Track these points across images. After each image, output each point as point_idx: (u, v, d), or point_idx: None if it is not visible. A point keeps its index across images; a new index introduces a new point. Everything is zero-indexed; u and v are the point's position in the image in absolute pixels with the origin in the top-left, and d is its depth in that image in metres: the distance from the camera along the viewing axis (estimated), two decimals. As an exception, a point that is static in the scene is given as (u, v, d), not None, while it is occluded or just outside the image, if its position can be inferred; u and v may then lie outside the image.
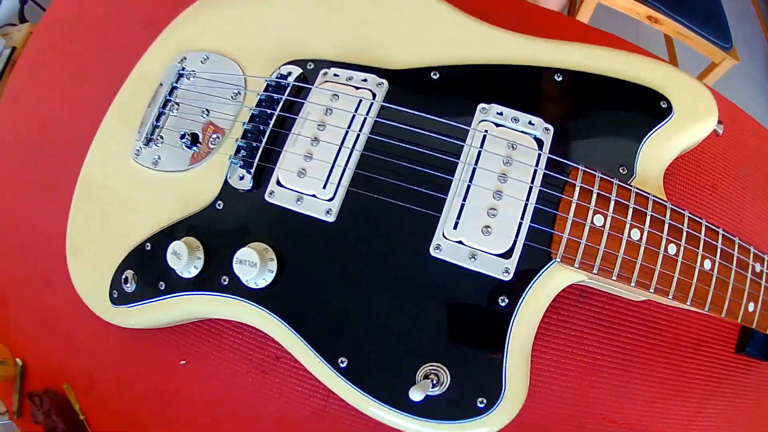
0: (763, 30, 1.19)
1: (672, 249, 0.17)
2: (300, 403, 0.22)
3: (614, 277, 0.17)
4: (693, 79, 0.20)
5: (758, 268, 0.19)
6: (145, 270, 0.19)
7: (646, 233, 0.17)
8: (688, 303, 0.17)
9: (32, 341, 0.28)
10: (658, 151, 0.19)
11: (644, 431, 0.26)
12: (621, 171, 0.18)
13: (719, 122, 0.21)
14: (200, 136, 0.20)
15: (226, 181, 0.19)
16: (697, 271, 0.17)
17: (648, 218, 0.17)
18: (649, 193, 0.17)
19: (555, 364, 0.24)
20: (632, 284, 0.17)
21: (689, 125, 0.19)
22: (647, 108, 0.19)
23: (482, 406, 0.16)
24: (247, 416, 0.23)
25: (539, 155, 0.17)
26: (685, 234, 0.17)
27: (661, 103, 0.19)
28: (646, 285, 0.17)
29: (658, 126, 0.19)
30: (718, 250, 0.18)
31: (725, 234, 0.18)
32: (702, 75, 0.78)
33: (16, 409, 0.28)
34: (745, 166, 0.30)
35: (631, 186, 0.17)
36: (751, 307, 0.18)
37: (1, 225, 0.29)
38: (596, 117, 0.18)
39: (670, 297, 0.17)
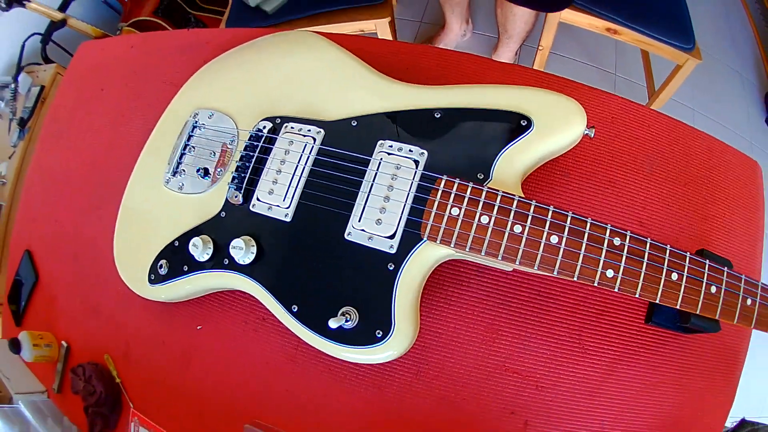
0: (750, 22, 1.19)
1: (517, 229, 0.26)
2: (280, 351, 0.34)
3: (467, 250, 0.26)
4: (559, 97, 0.29)
5: (617, 241, 0.26)
6: (174, 259, 0.32)
7: (494, 218, 0.26)
8: (536, 268, 0.26)
9: (78, 327, 0.40)
10: (514, 159, 0.28)
11: (551, 386, 0.33)
12: (479, 176, 0.27)
13: (590, 127, 0.29)
14: (210, 169, 0.33)
15: (226, 199, 0.32)
16: (542, 244, 0.26)
17: (496, 208, 0.26)
18: (498, 190, 0.27)
19: (461, 324, 0.33)
20: (482, 254, 0.26)
21: (549, 136, 0.28)
22: (507, 127, 0.28)
23: (379, 336, 0.27)
24: (247, 363, 0.35)
25: (415, 172, 0.28)
26: (530, 218, 0.26)
27: (521, 122, 0.28)
28: (494, 254, 0.26)
29: (516, 140, 0.28)
30: (566, 229, 0.26)
31: (575, 216, 0.26)
32: (669, 78, 0.81)
33: (57, 386, 0.39)
34: (645, 161, 0.37)
35: (483, 186, 0.27)
36: (609, 273, 0.26)
37: (58, 238, 0.42)
38: (464, 139, 0.29)
39: (517, 264, 0.26)
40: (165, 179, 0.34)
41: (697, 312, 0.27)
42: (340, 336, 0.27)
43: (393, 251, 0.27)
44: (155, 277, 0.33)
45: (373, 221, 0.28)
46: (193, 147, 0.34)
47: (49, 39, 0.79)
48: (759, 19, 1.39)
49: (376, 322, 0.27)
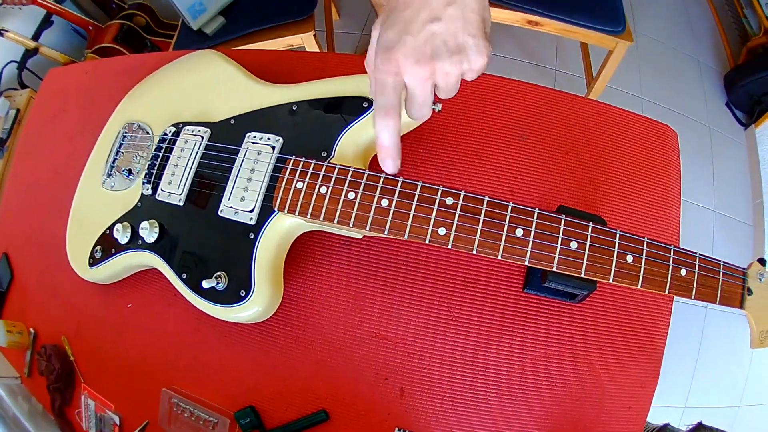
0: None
1: (351, 195, 0.32)
2: (187, 323, 0.42)
3: (308, 216, 0.32)
4: None
5: (449, 201, 0.31)
6: (105, 244, 0.41)
7: (331, 188, 0.32)
8: (368, 229, 0.32)
9: (43, 314, 0.50)
10: (356, 137, 0.35)
11: (423, 354, 0.37)
12: (323, 154, 0.34)
13: (436, 102, 0.34)
14: (133, 170, 0.42)
15: (142, 193, 0.41)
16: (373, 207, 0.31)
17: (333, 179, 0.33)
18: (336, 164, 0.33)
19: (331, 292, 0.39)
20: (321, 220, 0.32)
21: None
22: (349, 110, 0.35)
23: (243, 295, 0.33)
24: (164, 335, 0.43)
25: (271, 155, 0.35)
26: (363, 185, 0.32)
27: (363, 104, 0.34)
28: (331, 219, 0.32)
29: (356, 120, 0.34)
30: (396, 192, 0.31)
31: (406, 180, 0.32)
32: (602, 65, 0.81)
33: (27, 370, 0.49)
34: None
35: (324, 162, 0.33)
36: (441, 231, 0.30)
37: (29, 238, 0.53)
38: (313, 125, 0.35)
39: (351, 226, 0.32)
40: (102, 181, 0.44)
41: (553, 269, 0.29)
42: (215, 296, 0.34)
43: (253, 222, 0.34)
44: (92, 261, 0.42)
45: (239, 198, 0.35)
46: (122, 152, 0.44)
47: (24, 66, 0.96)
48: (720, 1, 1.37)
49: (240, 283, 0.34)
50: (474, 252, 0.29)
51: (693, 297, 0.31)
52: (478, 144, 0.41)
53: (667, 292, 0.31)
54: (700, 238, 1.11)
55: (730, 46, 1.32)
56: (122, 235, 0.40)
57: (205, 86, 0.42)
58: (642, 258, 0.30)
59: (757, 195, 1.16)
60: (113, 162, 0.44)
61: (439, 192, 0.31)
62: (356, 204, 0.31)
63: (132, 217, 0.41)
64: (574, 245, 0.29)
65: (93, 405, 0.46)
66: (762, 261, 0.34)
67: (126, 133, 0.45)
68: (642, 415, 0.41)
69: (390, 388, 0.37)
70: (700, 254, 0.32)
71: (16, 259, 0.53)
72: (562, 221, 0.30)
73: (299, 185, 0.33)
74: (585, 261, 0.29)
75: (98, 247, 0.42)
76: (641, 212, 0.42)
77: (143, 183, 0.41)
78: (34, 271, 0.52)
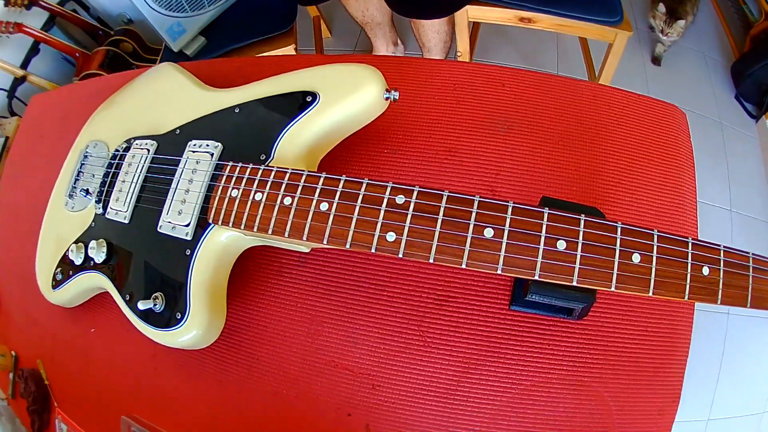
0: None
1: (287, 200, 0.30)
2: (143, 349, 0.42)
3: (243, 227, 0.31)
4: (348, 66, 0.33)
5: (400, 200, 0.27)
6: (64, 266, 0.43)
7: (266, 194, 0.31)
8: (305, 238, 0.29)
9: (21, 336, 0.52)
10: (299, 135, 0.33)
11: (391, 386, 0.34)
12: (261, 158, 0.32)
13: (392, 90, 0.32)
14: (90, 189, 0.43)
15: (95, 212, 0.41)
16: (311, 212, 0.29)
17: (269, 184, 0.31)
18: (273, 167, 0.31)
19: (284, 316, 0.37)
20: (255, 231, 0.30)
21: (335, 104, 0.33)
22: (291, 106, 0.33)
23: (179, 317, 0.32)
24: (125, 359, 0.44)
25: (209, 163, 0.34)
26: (300, 188, 0.30)
27: (307, 98, 0.33)
28: (265, 229, 0.30)
29: (299, 116, 0.33)
30: (338, 193, 0.29)
31: (349, 179, 0.29)
32: (604, 59, 0.76)
33: (11, 392, 0.51)
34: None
35: (261, 166, 0.31)
36: (391, 236, 0.26)
37: (11, 261, 0.55)
38: (254, 127, 0.34)
39: (286, 236, 0.30)
40: (65, 202, 0.46)
41: (535, 277, 0.24)
42: (153, 319, 0.34)
43: (189, 238, 0.33)
44: (54, 283, 0.44)
45: (176, 212, 0.34)
46: (82, 173, 0.45)
47: (14, 95, 1.04)
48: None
49: (176, 305, 0.33)
50: (431, 260, 0.25)
51: (719, 302, 0.25)
52: (452, 139, 0.38)
53: (687, 298, 0.25)
54: (719, 241, 1.03)
55: (733, 36, 1.28)
56: (76, 256, 0.40)
57: (158, 99, 0.43)
58: (652, 256, 0.24)
59: None
60: (74, 183, 0.46)
61: (389, 189, 0.27)
62: (292, 210, 0.29)
63: (86, 238, 0.41)
64: (561, 245, 0.24)
65: (65, 429, 0.46)
66: None
67: (87, 152, 0.46)
68: None
69: (354, 425, 0.33)
70: (724, 247, 0.26)
71: (0, 282, 0.56)
72: (545, 215, 0.25)
73: (234, 193, 0.32)
74: (577, 265, 0.24)
75: (59, 269, 0.43)
76: (650, 203, 0.36)
77: (96, 202, 0.41)
78: (15, 295, 0.55)
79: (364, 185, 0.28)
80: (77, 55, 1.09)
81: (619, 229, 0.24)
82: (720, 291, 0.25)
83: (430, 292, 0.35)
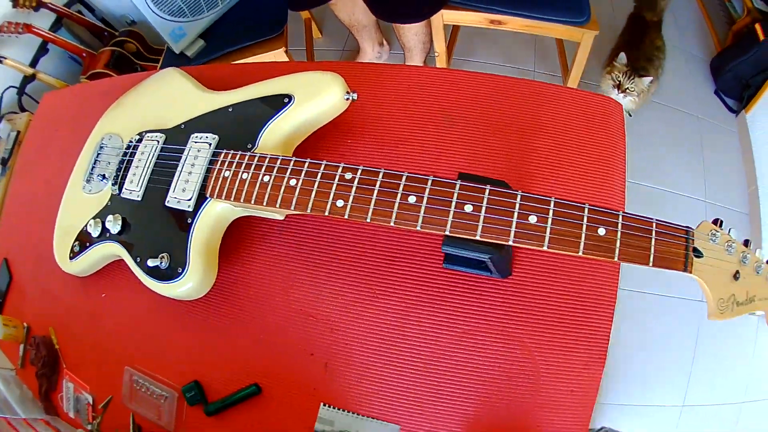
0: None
1: (266, 178, 0.40)
2: (147, 306, 0.51)
3: (233, 200, 0.41)
4: (316, 73, 0.45)
5: (348, 176, 0.38)
6: (82, 239, 0.53)
7: (251, 174, 0.41)
8: (278, 205, 0.39)
9: (35, 308, 0.62)
10: (278, 128, 0.44)
11: (345, 330, 0.43)
12: (248, 146, 0.43)
13: (351, 92, 0.42)
14: (107, 174, 0.53)
15: (111, 193, 0.51)
16: (283, 187, 0.39)
17: (253, 166, 0.41)
18: (256, 153, 0.41)
19: (266, 274, 0.48)
20: (242, 202, 0.40)
21: (306, 104, 0.44)
22: (273, 106, 0.44)
23: (180, 271, 0.42)
24: (129, 317, 0.54)
25: (208, 151, 0.44)
26: (276, 168, 0.41)
27: (284, 99, 0.43)
28: (249, 200, 0.41)
29: (277, 114, 0.43)
30: (303, 172, 0.39)
31: (312, 161, 0.40)
32: (573, 59, 0.85)
33: (21, 362, 0.60)
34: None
35: (248, 152, 0.42)
36: (339, 203, 0.36)
37: (25, 244, 0.66)
38: (243, 123, 0.45)
39: (264, 204, 0.40)
40: (82, 186, 0.56)
41: (446, 233, 0.33)
42: (159, 274, 0.43)
43: (190, 209, 0.43)
44: (72, 255, 0.53)
45: (181, 190, 0.45)
46: (99, 161, 0.56)
47: (23, 92, 1.14)
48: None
49: (179, 261, 0.43)
50: (368, 220, 0.36)
51: (617, 258, 0.31)
52: (404, 130, 0.48)
53: (581, 253, 0.31)
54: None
55: (716, 32, 1.36)
56: (94, 230, 0.50)
57: (164, 98, 0.53)
58: (548, 218, 0.31)
59: (751, 182, 1.15)
60: (92, 170, 0.56)
61: (340, 168, 0.38)
62: (270, 185, 0.39)
63: (103, 214, 0.51)
64: (469, 208, 0.32)
65: (72, 387, 0.55)
66: (717, 222, 0.33)
67: (103, 144, 0.57)
68: (588, 399, 0.42)
69: (315, 364, 0.43)
70: (625, 213, 0.32)
71: (14, 263, 0.66)
72: (457, 186, 0.33)
73: (227, 174, 0.42)
74: (480, 223, 0.32)
75: (77, 242, 0.53)
76: (582, 183, 0.45)
77: (112, 185, 0.51)
78: (29, 272, 0.65)
79: (323, 166, 0.39)
80: (84, 54, 1.21)
81: (519, 196, 0.32)
82: (617, 249, 0.30)
83: (381, 252, 0.44)
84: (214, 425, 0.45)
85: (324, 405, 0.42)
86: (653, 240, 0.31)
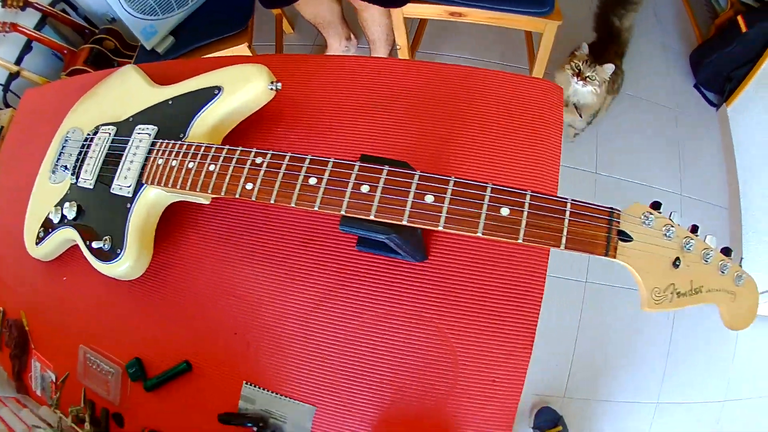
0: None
1: (191, 165, 0.43)
2: (99, 287, 0.56)
3: (163, 185, 0.44)
4: (243, 66, 0.48)
5: (259, 160, 0.40)
6: (45, 225, 0.57)
7: (179, 161, 0.44)
8: (198, 189, 0.42)
9: (10, 294, 0.67)
10: (207, 118, 0.47)
11: (266, 311, 0.46)
12: (180, 136, 0.46)
13: (275, 82, 0.45)
14: (68, 165, 0.58)
15: (70, 182, 0.55)
16: (204, 172, 0.42)
17: (182, 153, 0.45)
18: (185, 141, 0.45)
19: (196, 257, 0.51)
20: (170, 186, 0.43)
21: (234, 94, 0.47)
22: (204, 98, 0.47)
23: (119, 252, 0.45)
24: (85, 297, 0.58)
25: (148, 141, 0.47)
26: (199, 155, 0.44)
27: (215, 91, 0.46)
28: (176, 185, 0.44)
29: (207, 105, 0.46)
30: (221, 158, 0.42)
31: (229, 147, 0.43)
32: (538, 51, 0.84)
33: None
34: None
35: (179, 141, 0.45)
36: (249, 186, 0.39)
37: (7, 232, 0.70)
38: (179, 114, 0.48)
39: (187, 189, 0.43)
40: (49, 177, 0.60)
41: (342, 213, 0.34)
42: (102, 255, 0.47)
43: (129, 195, 0.47)
44: (37, 240, 0.58)
45: (124, 177, 0.48)
46: (63, 153, 0.60)
47: (8, 89, 1.21)
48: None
49: (118, 244, 0.46)
50: (272, 201, 0.38)
51: (521, 239, 0.30)
52: (331, 118, 0.51)
53: (480, 233, 0.31)
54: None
55: (699, 27, 1.33)
56: (55, 216, 0.55)
57: (120, 94, 0.57)
58: (445, 197, 0.31)
59: (732, 176, 1.10)
60: (57, 161, 0.61)
61: (252, 154, 0.40)
62: (192, 171, 0.42)
63: (62, 202, 0.56)
64: (365, 189, 0.33)
65: (39, 367, 0.60)
66: (656, 205, 0.31)
67: (67, 137, 0.61)
68: (513, 388, 0.41)
69: (239, 342, 0.45)
70: (535, 193, 0.31)
71: None
72: (356, 167, 0.35)
73: (159, 162, 0.45)
74: (375, 203, 0.33)
75: (42, 229, 0.58)
76: (512, 169, 0.45)
77: (71, 174, 0.55)
78: (7, 260, 0.70)
79: (238, 152, 0.41)
80: (65, 52, 1.28)
81: (416, 176, 0.33)
82: (522, 230, 0.30)
83: (299, 234, 0.46)
84: (152, 400, 0.48)
85: (246, 383, 0.44)
86: (567, 221, 0.30)
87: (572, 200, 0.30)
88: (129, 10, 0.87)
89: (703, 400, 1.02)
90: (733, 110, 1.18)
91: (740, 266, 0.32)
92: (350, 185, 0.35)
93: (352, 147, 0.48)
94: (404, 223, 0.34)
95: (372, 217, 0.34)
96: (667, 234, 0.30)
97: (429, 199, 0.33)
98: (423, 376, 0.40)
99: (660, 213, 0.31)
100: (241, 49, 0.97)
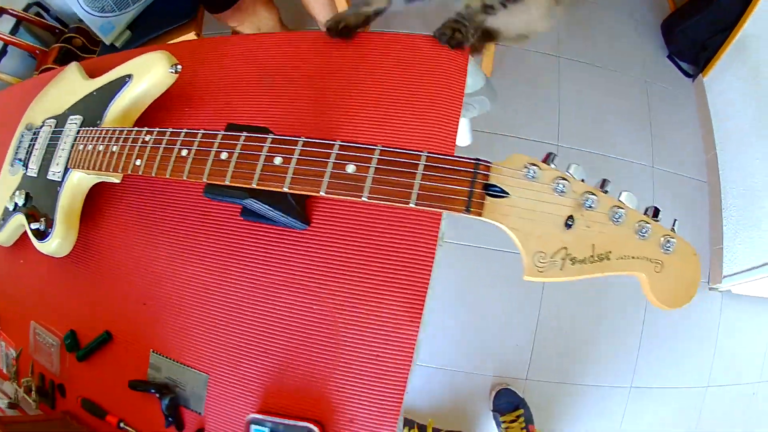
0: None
1: (100, 147, 0.47)
2: (46, 266, 0.60)
3: (81, 167, 0.48)
4: (148, 54, 0.52)
5: (148, 138, 0.43)
6: (3, 214, 0.62)
7: (95, 144, 0.48)
8: (111, 170, 0.46)
9: None
10: (120, 104, 0.51)
11: (173, 284, 0.49)
12: (97, 123, 0.50)
13: (175, 65, 0.48)
14: (22, 157, 0.63)
15: (23, 173, 0.61)
16: (108, 153, 0.47)
17: (99, 138, 0.48)
18: (100, 127, 0.48)
19: (116, 233, 0.56)
20: (88, 168, 0.47)
21: (140, 80, 0.51)
22: (117, 86, 0.51)
23: (49, 232, 0.50)
24: (36, 277, 0.63)
25: (75, 130, 0.52)
26: (107, 138, 0.47)
27: (126, 79, 0.51)
28: (92, 167, 0.47)
29: (119, 92, 0.50)
30: (121, 138, 0.46)
31: (128, 129, 0.47)
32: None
33: None
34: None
35: (95, 127, 0.49)
36: (138, 162, 0.42)
37: None
38: (98, 102, 0.52)
39: (103, 169, 0.46)
40: (8, 170, 0.66)
41: (204, 179, 0.35)
42: (39, 235, 0.52)
43: (59, 179, 0.51)
44: (-2, 228, 0.63)
45: (56, 164, 0.53)
46: (19, 147, 0.65)
47: None
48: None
49: (49, 224, 0.51)
50: (153, 174, 0.41)
51: (365, 197, 0.29)
52: (229, 95, 0.54)
53: (323, 192, 0.30)
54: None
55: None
56: (10, 204, 0.60)
57: (63, 89, 0.62)
58: (292, 158, 0.31)
59: (710, 148, 1.05)
60: (15, 155, 0.66)
61: (143, 132, 0.43)
62: (108, 153, 0.47)
63: (15, 191, 0.61)
64: (224, 156, 0.35)
65: (4, 345, 0.65)
66: (547, 156, 0.26)
67: (24, 132, 0.67)
68: (401, 365, 0.39)
69: (148, 313, 0.49)
70: (386, 147, 0.29)
71: None
72: (219, 136, 0.36)
73: (80, 147, 0.50)
74: (231, 168, 0.34)
75: (1, 217, 0.63)
76: (409, 131, 0.44)
77: (22, 165, 0.61)
78: None
79: (134, 132, 0.45)
80: (37, 52, 1.37)
81: (269, 140, 0.33)
82: (367, 187, 0.28)
83: (195, 209, 0.50)
84: (84, 369, 0.53)
85: (153, 352, 0.47)
86: (419, 175, 0.28)
87: (428, 153, 0.28)
88: (87, 9, 0.94)
89: (682, 385, 1.00)
90: (710, 80, 1.13)
91: (673, 230, 0.27)
92: (212, 153, 0.36)
93: (246, 120, 0.48)
94: (254, 186, 0.34)
95: (227, 182, 0.35)
96: (558, 189, 0.26)
97: (278, 161, 0.32)
98: (308, 347, 0.38)
99: (548, 165, 0.27)
100: (190, 38, 1.04)
